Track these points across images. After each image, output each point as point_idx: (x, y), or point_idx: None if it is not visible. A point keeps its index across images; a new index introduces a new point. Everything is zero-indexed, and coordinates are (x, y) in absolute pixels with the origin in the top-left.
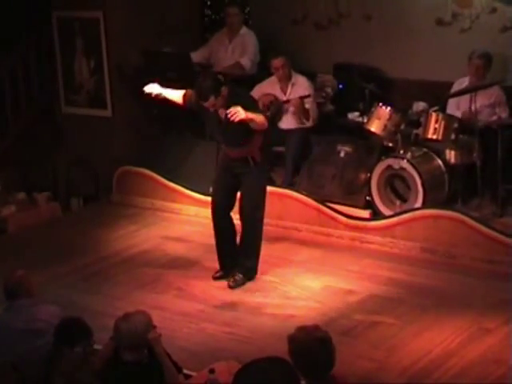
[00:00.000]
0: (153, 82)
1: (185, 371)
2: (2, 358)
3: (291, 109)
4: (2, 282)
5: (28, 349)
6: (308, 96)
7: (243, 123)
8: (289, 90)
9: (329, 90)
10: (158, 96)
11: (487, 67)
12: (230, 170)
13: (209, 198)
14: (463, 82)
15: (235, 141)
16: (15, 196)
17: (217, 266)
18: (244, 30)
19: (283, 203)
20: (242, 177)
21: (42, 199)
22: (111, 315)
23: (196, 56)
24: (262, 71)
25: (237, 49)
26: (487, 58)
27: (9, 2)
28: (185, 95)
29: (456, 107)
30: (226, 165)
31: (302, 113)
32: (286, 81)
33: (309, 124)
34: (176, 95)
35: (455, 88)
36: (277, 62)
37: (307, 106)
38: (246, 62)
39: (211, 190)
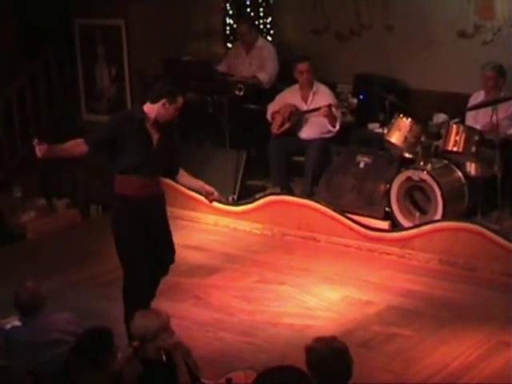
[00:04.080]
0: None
1: (202, 380)
2: (20, 371)
3: (320, 116)
4: (14, 294)
5: (45, 360)
6: (332, 105)
7: (172, 152)
8: (310, 99)
9: (354, 100)
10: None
11: (499, 79)
12: (142, 218)
13: (228, 207)
14: (478, 96)
15: (158, 170)
16: (35, 202)
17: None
18: (260, 41)
19: (302, 213)
20: (153, 221)
21: (62, 206)
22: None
23: (220, 67)
24: (283, 81)
25: (254, 61)
26: (498, 70)
27: (31, 10)
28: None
29: (474, 120)
30: (135, 213)
31: (331, 119)
32: (307, 88)
33: (335, 130)
34: (71, 146)
35: (471, 102)
36: (302, 66)
37: (335, 112)
38: (263, 77)
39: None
